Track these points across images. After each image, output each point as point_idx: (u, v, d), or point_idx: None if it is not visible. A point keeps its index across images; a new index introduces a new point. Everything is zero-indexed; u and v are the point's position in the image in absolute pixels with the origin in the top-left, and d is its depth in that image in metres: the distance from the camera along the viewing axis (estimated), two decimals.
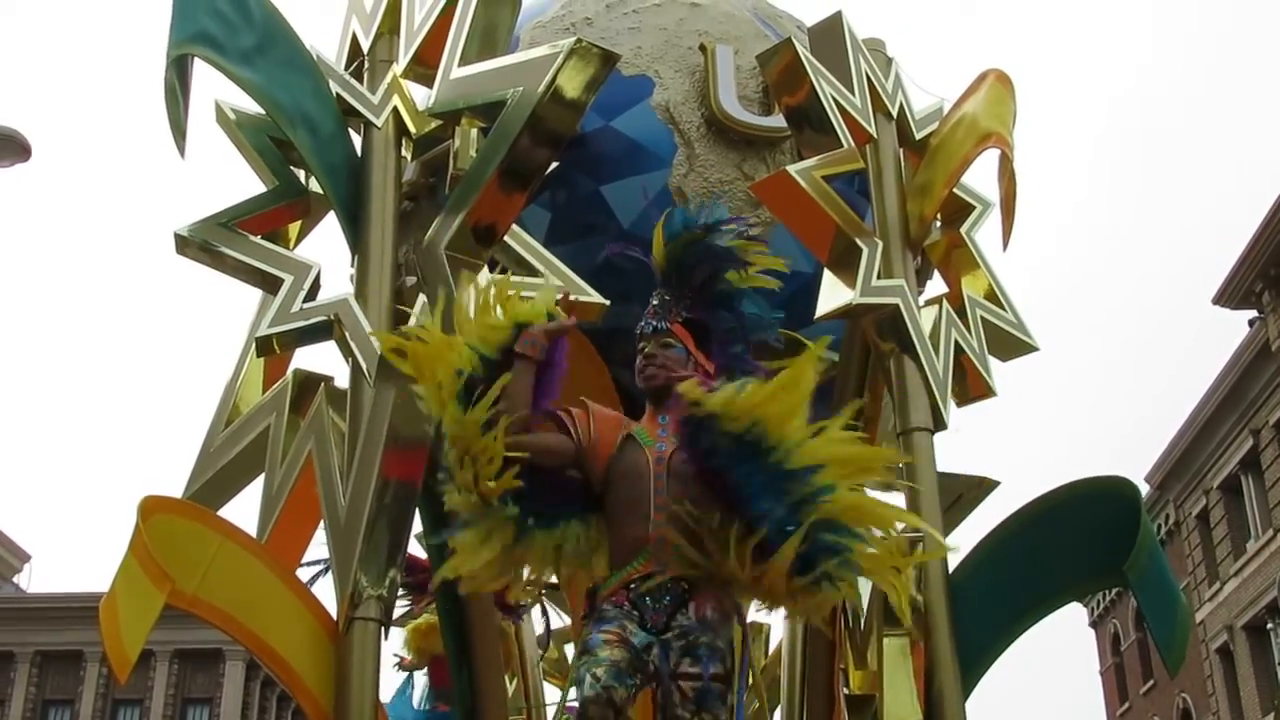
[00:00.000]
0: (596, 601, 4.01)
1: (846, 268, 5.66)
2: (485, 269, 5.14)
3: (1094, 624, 34.01)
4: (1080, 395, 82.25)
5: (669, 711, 3.78)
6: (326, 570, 5.28)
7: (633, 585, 3.91)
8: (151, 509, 4.72)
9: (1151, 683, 29.72)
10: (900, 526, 4.05)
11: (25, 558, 34.34)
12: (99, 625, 4.77)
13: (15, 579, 34.32)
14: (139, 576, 4.65)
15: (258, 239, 5.43)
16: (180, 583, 4.61)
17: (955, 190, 6.16)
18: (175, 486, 5.57)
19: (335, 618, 4.91)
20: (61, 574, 72.01)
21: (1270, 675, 23.70)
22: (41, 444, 69.11)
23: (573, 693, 3.89)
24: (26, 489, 63.35)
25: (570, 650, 8.02)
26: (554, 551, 4.07)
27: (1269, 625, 23.69)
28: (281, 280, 5.28)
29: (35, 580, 39.65)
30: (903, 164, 6.19)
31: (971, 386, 5.91)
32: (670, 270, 4.28)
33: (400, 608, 7.49)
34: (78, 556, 60.42)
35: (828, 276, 5.75)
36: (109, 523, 55.23)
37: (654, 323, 4.21)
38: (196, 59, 5.42)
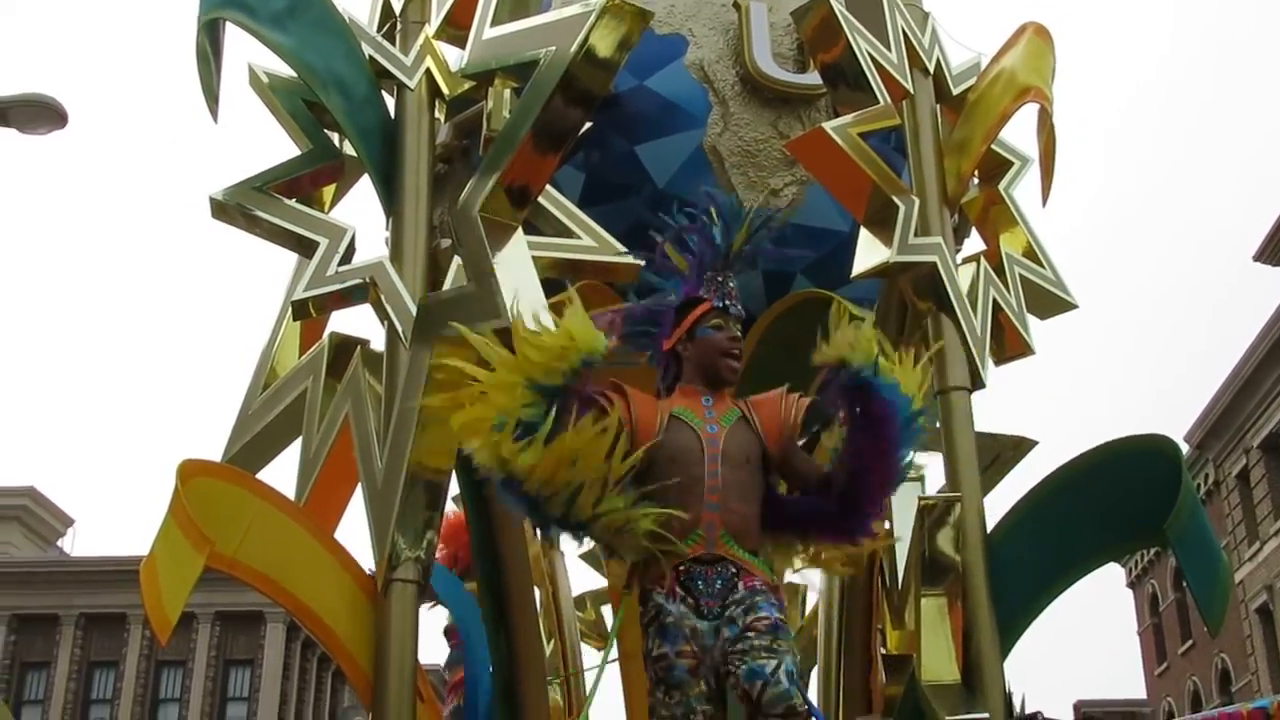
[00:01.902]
0: (645, 584, 4.03)
1: (883, 226, 5.60)
2: (520, 231, 5.11)
3: (1132, 584, 33.88)
4: (1119, 353, 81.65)
5: (744, 656, 3.81)
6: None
7: (682, 567, 3.96)
8: (191, 472, 4.75)
9: (1190, 643, 29.61)
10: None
11: (69, 522, 34.77)
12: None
13: (59, 543, 34.77)
14: (179, 539, 4.68)
15: (292, 202, 5.42)
16: (220, 545, 4.64)
17: (993, 146, 6.08)
18: (214, 450, 5.61)
19: (374, 579, 4.94)
20: (105, 537, 73.14)
21: None
22: (83, 409, 69.91)
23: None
24: (69, 454, 64.16)
25: (608, 612, 8.03)
26: None
27: None
28: (317, 243, 5.27)
29: (79, 544, 40.16)
30: (940, 120, 6.11)
31: (1009, 345, 5.85)
32: (737, 258, 4.33)
33: None
34: (121, 520, 61.22)
35: (864, 235, 5.69)
36: (151, 486, 55.89)
37: (739, 308, 4.27)
38: (228, 23, 5.41)
